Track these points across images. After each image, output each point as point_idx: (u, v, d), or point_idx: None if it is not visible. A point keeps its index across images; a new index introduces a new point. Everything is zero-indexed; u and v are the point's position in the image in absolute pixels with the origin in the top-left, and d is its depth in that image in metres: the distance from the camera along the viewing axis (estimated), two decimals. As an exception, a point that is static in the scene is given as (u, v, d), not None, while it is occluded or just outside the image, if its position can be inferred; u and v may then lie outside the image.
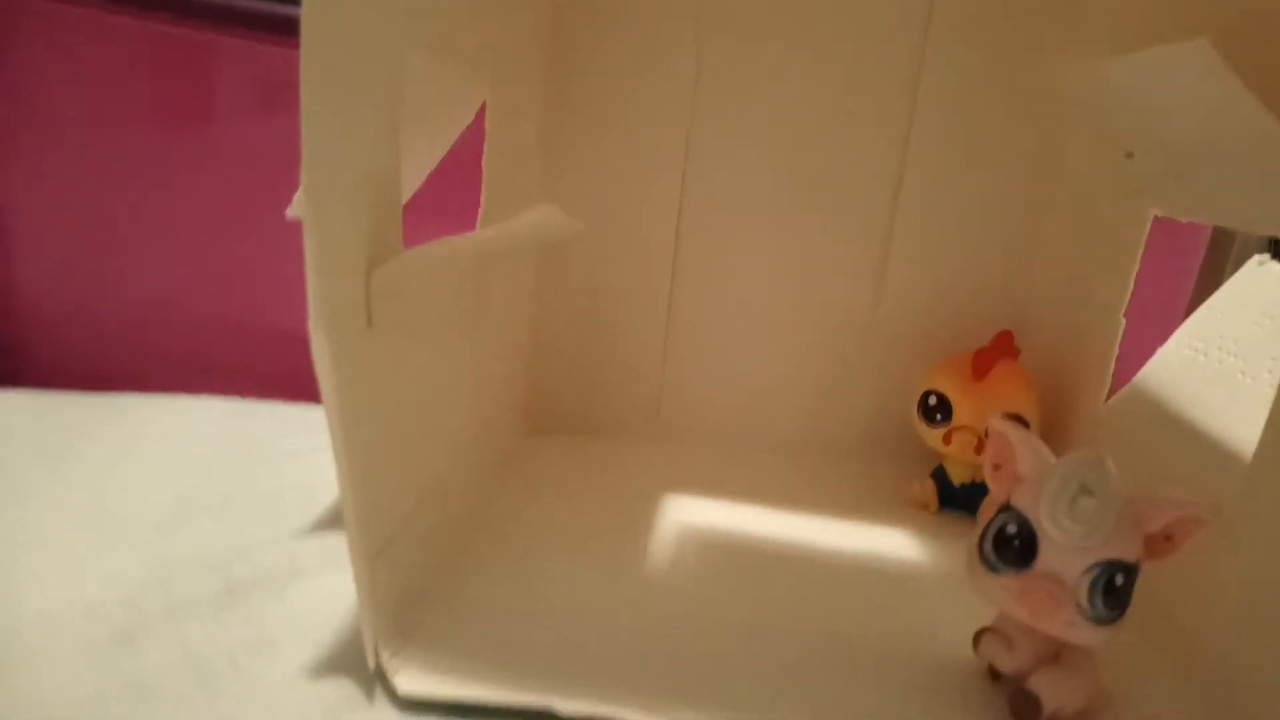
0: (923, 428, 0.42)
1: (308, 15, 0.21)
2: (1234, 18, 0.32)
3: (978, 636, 0.29)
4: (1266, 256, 0.39)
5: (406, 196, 0.33)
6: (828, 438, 0.48)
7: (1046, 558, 0.26)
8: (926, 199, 0.45)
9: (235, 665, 0.26)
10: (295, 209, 0.33)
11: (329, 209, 0.23)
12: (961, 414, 0.41)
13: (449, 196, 0.38)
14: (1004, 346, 0.41)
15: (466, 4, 0.33)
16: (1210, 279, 0.44)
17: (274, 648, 0.27)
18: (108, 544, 0.32)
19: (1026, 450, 0.28)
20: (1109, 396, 0.40)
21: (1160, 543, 0.27)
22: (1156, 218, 0.37)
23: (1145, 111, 0.35)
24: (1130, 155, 0.38)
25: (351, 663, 0.27)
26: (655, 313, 0.47)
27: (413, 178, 0.37)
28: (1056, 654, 0.28)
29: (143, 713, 0.24)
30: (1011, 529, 0.27)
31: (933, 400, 0.41)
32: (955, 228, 0.45)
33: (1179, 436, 0.36)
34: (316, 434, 0.24)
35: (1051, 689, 0.27)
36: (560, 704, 0.26)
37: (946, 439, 0.41)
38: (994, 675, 0.29)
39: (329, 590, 0.30)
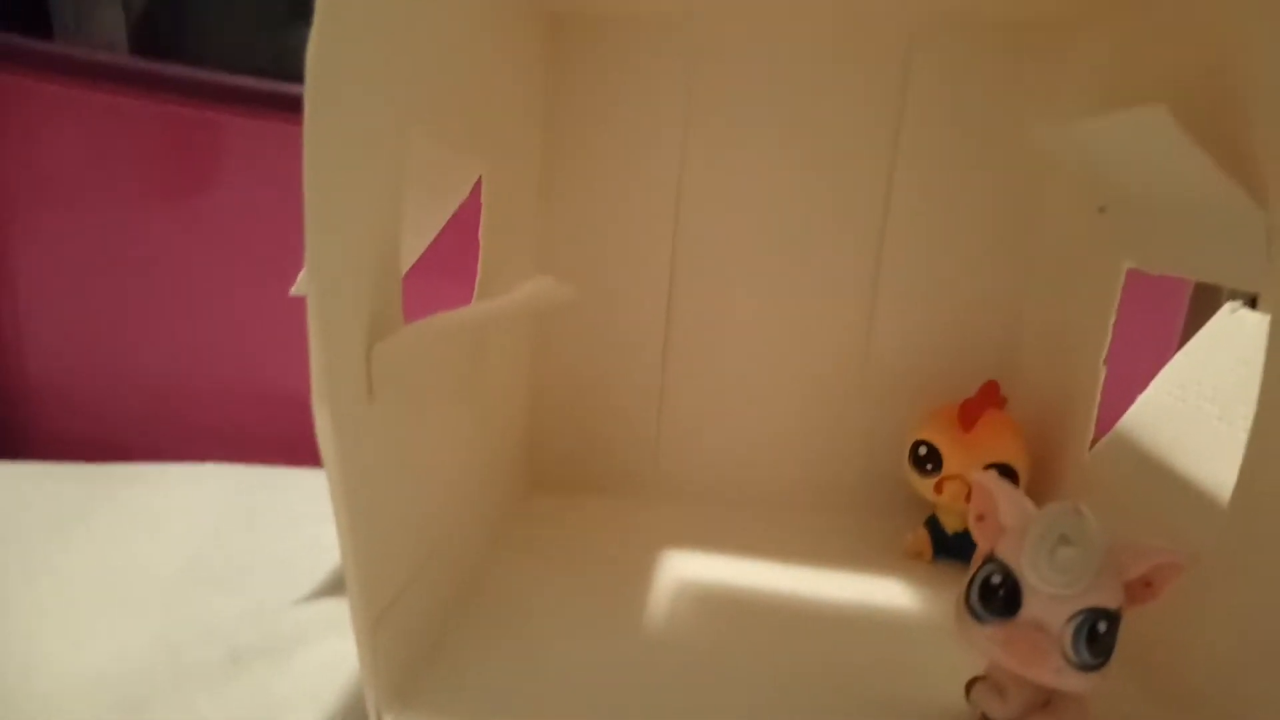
0: (914, 478, 0.43)
1: (311, 98, 0.22)
2: (1197, 79, 0.33)
3: (970, 685, 0.30)
4: (1239, 304, 0.40)
5: (405, 268, 0.34)
6: (822, 491, 0.49)
7: (1030, 607, 0.27)
8: (910, 254, 0.46)
9: (242, 733, 0.27)
10: (299, 287, 0.34)
11: (331, 287, 0.24)
12: (951, 463, 0.41)
13: (446, 256, 0.39)
14: (990, 396, 0.42)
15: (465, 85, 0.34)
16: (1199, 326, 0.45)
17: (280, 714, 0.28)
18: (116, 615, 0.33)
19: (1008, 502, 0.29)
20: (1094, 443, 0.41)
21: (1141, 589, 0.28)
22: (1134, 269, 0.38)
23: (1113, 169, 0.36)
24: (1103, 210, 0.39)
25: (356, 727, 0.27)
26: (650, 373, 0.48)
27: (411, 250, 0.38)
28: (1047, 701, 0.28)
29: (151, 784, 0.25)
30: (996, 579, 0.27)
31: (923, 450, 0.42)
32: (939, 282, 0.47)
33: (1159, 482, 0.37)
34: (321, 499, 0.25)
35: (1042, 736, 0.28)
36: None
37: (938, 488, 0.42)
38: (986, 724, 0.30)
39: (333, 656, 0.31)
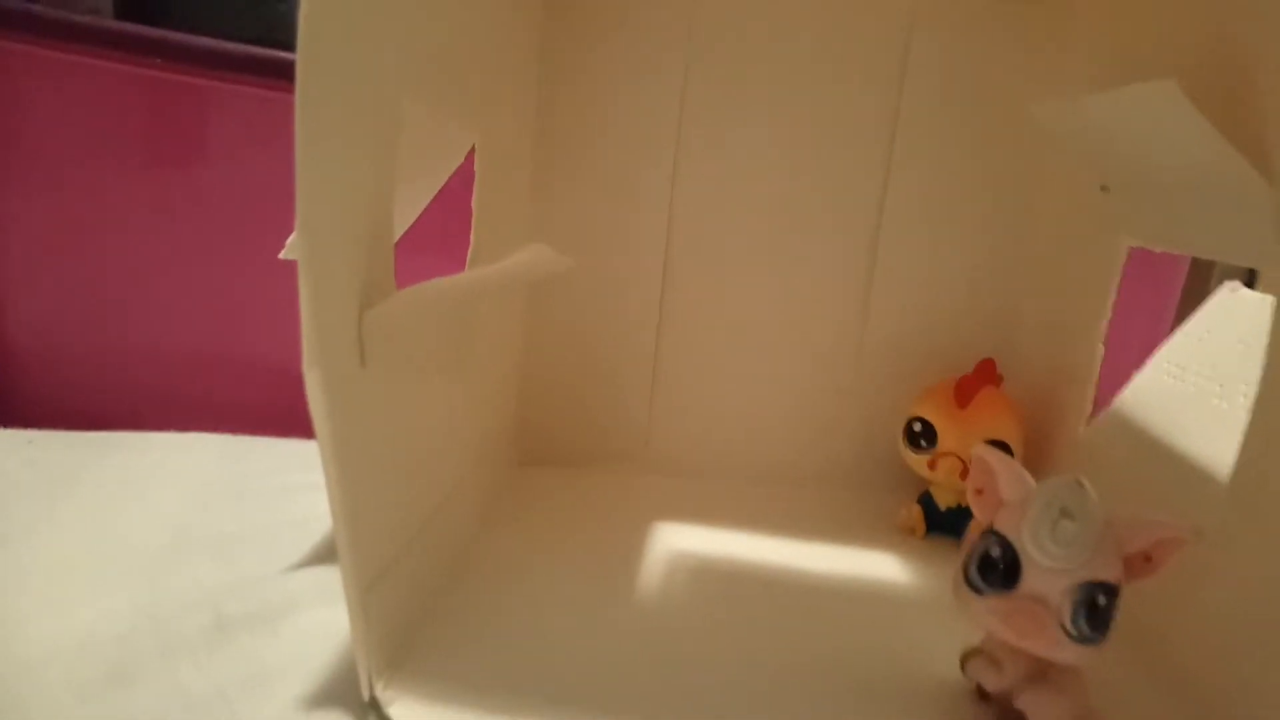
0: (908, 454, 0.43)
1: (303, 63, 0.21)
2: (1202, 53, 0.33)
3: (965, 657, 0.30)
4: (1238, 283, 0.40)
5: (397, 236, 0.34)
6: (815, 467, 0.49)
7: (1030, 580, 0.27)
8: (908, 233, 0.46)
9: (228, 701, 0.27)
10: (290, 251, 0.34)
11: (323, 252, 0.24)
12: (946, 440, 0.41)
13: (439, 231, 0.38)
14: (986, 374, 0.42)
15: (458, 52, 0.34)
16: (1193, 305, 0.45)
17: (267, 683, 0.27)
18: (101, 582, 0.32)
19: (1008, 476, 0.28)
20: (1089, 421, 0.41)
21: (1140, 564, 0.27)
22: (1135, 248, 0.38)
23: (1117, 147, 0.36)
24: (1105, 189, 0.39)
25: (346, 695, 0.27)
26: (644, 346, 0.48)
27: (404, 219, 0.37)
28: (1043, 673, 0.28)
29: (137, 750, 0.24)
30: (995, 552, 0.27)
31: (917, 427, 0.42)
32: (937, 259, 0.46)
33: (1157, 459, 0.37)
34: (311, 470, 0.24)
35: (1038, 708, 0.28)
36: (553, 732, 0.26)
37: (932, 465, 0.42)
38: (982, 695, 0.30)
39: (322, 624, 0.30)
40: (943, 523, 0.43)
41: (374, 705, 0.27)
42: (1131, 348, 0.43)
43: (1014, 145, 0.45)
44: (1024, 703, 0.28)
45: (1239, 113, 0.29)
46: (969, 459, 0.30)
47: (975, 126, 0.45)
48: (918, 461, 0.42)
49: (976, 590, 0.28)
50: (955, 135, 0.45)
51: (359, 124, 0.26)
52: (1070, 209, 0.43)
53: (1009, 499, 0.28)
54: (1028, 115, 0.40)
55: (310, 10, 0.21)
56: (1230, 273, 0.48)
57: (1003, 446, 0.40)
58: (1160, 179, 0.34)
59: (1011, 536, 0.27)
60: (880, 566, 0.40)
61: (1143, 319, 0.51)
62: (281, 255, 0.32)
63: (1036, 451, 0.43)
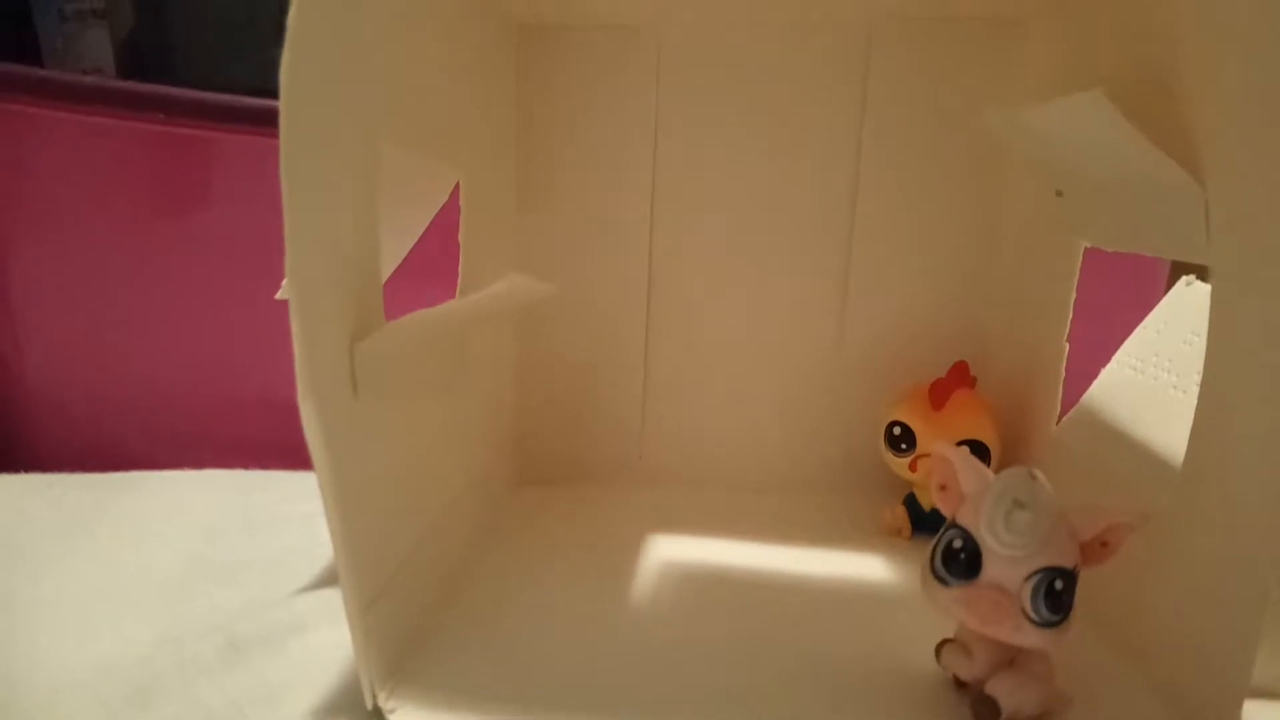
0: (890, 457, 0.44)
1: (286, 112, 0.23)
2: (1137, 66, 0.34)
3: (940, 648, 0.31)
4: (1194, 277, 0.41)
5: (388, 273, 0.36)
6: (802, 473, 0.50)
7: (990, 569, 0.28)
8: (879, 244, 0.48)
9: (244, 715, 0.28)
10: (284, 292, 0.35)
11: (311, 289, 0.25)
12: (924, 442, 0.43)
13: (429, 261, 0.40)
14: (960, 376, 0.43)
15: (437, 97, 0.36)
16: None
17: (279, 697, 0.29)
18: (120, 612, 0.34)
19: (967, 471, 0.30)
20: (1061, 417, 0.43)
21: (1097, 549, 0.29)
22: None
23: (1065, 153, 0.37)
24: (1060, 193, 0.40)
25: (353, 708, 0.29)
26: (633, 365, 0.50)
27: (394, 255, 0.39)
28: (1012, 660, 0.30)
29: (159, 765, 0.26)
30: (958, 544, 0.29)
31: (897, 430, 0.44)
32: (908, 267, 0.48)
33: (1122, 451, 0.38)
34: (314, 499, 0.26)
35: (1008, 693, 0.29)
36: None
37: (912, 466, 0.43)
38: (958, 684, 0.31)
39: (329, 642, 0.32)
40: (928, 523, 0.44)
41: (377, 714, 0.28)
42: (1114, 347, 0.45)
43: (977, 155, 0.46)
44: (994, 688, 0.29)
45: (1172, 122, 0.31)
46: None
47: (939, 138, 0.46)
48: (900, 464, 0.44)
49: (942, 581, 0.29)
50: (920, 147, 0.47)
51: (341, 166, 0.27)
52: (1032, 214, 0.45)
53: (968, 492, 0.30)
54: (987, 125, 0.42)
55: (291, 61, 0.23)
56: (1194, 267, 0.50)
57: (979, 446, 0.42)
58: (1106, 183, 0.36)
59: (971, 528, 0.29)
60: (868, 568, 0.41)
61: (1124, 317, 0.53)
62: (278, 296, 0.34)
63: (1014, 450, 0.45)
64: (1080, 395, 0.43)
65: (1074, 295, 0.40)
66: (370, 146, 0.29)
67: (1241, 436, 0.28)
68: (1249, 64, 0.28)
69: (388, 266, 0.37)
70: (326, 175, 0.26)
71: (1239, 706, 0.27)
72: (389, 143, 0.31)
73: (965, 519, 0.29)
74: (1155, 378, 0.39)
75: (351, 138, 0.28)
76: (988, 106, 0.44)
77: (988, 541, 0.28)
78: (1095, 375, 0.44)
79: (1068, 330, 0.41)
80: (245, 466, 0.50)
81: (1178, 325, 0.40)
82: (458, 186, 0.39)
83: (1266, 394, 0.27)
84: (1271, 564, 0.26)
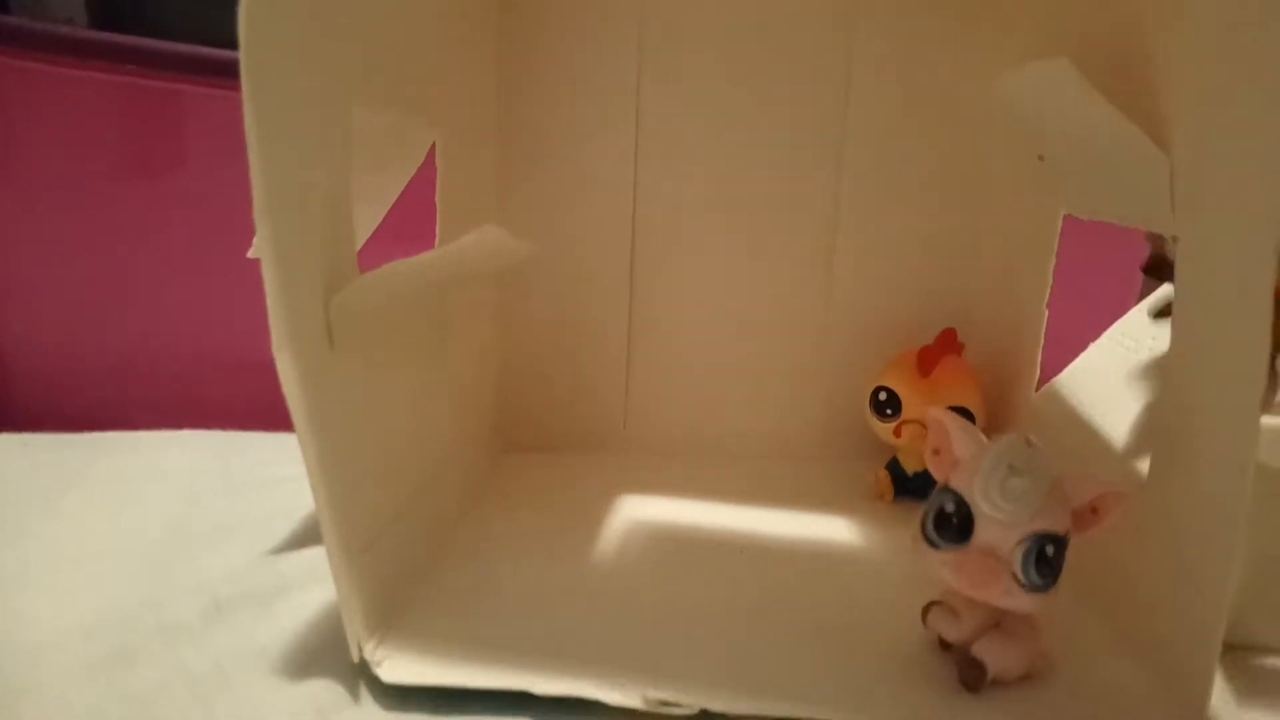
0: (875, 423, 0.44)
1: (246, 59, 0.23)
2: (1111, 37, 0.34)
3: (926, 610, 0.31)
4: None
5: (366, 233, 0.35)
6: (787, 439, 0.50)
7: (982, 533, 0.28)
8: (866, 209, 0.47)
9: (226, 676, 0.28)
10: (256, 248, 0.35)
11: (283, 241, 0.25)
12: (910, 408, 0.43)
13: (406, 223, 0.39)
14: (947, 343, 0.43)
15: (412, 48, 0.35)
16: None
17: (263, 657, 0.29)
18: (102, 574, 0.34)
19: (961, 436, 0.30)
20: (1038, 386, 0.43)
21: (1087, 516, 0.29)
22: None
23: (1041, 119, 0.37)
24: (1041, 158, 0.40)
25: (338, 667, 0.28)
26: (617, 330, 0.49)
27: (371, 215, 0.38)
28: (999, 623, 0.30)
29: (142, 725, 0.26)
30: (950, 508, 0.29)
31: (883, 396, 0.44)
32: (895, 234, 0.48)
33: (1100, 422, 0.38)
34: (297, 462, 0.26)
35: (994, 655, 0.29)
36: (537, 685, 0.27)
37: (897, 432, 0.43)
38: (943, 646, 0.31)
39: (313, 602, 0.32)
40: (911, 487, 0.44)
41: (363, 668, 0.28)
42: (1102, 317, 0.45)
43: (963, 121, 0.46)
44: (980, 650, 0.29)
45: (1141, 90, 0.31)
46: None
47: (924, 105, 0.46)
48: (884, 429, 0.44)
49: (932, 544, 0.29)
50: (906, 114, 0.46)
51: (306, 118, 0.27)
52: (1014, 180, 0.45)
53: (962, 457, 0.30)
54: (972, 91, 0.42)
55: (249, 11, 0.22)
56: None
57: (964, 412, 0.42)
58: (1076, 150, 0.36)
59: (964, 493, 0.29)
60: (850, 530, 0.41)
61: (1112, 289, 0.53)
62: (249, 254, 0.33)
63: (997, 416, 0.45)
64: (1059, 365, 0.44)
65: (1053, 260, 0.40)
66: (342, 99, 0.29)
67: (1207, 406, 0.28)
68: (1213, 35, 0.28)
69: (366, 227, 0.37)
70: (292, 124, 0.26)
71: (1212, 669, 0.27)
72: (363, 97, 0.30)
73: (958, 483, 0.29)
74: (1146, 355, 0.40)
75: (321, 90, 0.27)
76: (975, 70, 0.44)
77: (981, 506, 0.28)
78: (1072, 348, 0.44)
79: (1047, 297, 0.41)
80: (226, 428, 0.49)
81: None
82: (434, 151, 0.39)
83: (1229, 364, 0.27)
84: (1237, 531, 0.26)
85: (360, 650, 0.28)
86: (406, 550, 0.34)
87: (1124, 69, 0.32)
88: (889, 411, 0.43)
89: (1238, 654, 0.29)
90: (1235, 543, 0.26)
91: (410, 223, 0.40)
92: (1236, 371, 0.27)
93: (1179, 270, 0.30)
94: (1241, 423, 0.26)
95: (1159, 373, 0.38)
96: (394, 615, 0.31)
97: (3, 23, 0.49)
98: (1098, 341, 0.44)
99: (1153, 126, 0.30)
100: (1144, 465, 0.32)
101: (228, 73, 0.49)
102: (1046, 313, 0.41)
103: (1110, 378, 0.40)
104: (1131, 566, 0.33)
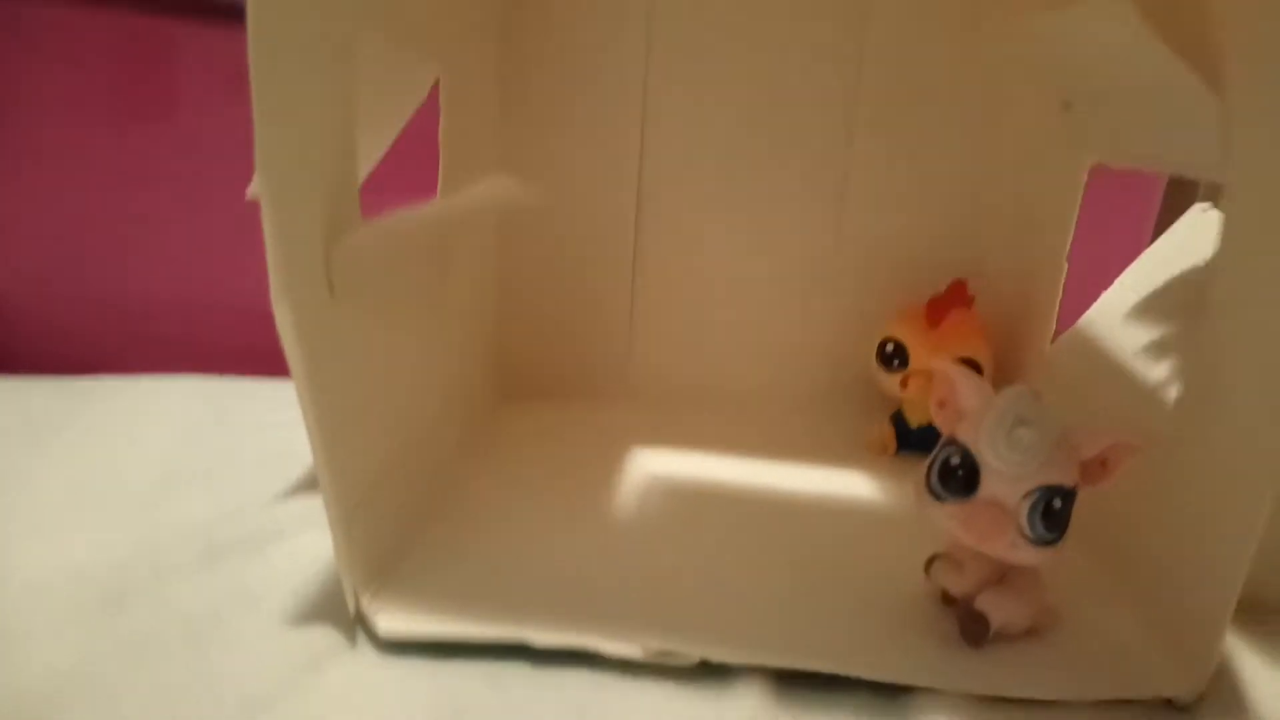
0: (881, 374, 0.44)
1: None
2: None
3: (929, 562, 0.31)
4: (1209, 205, 0.40)
5: (365, 173, 0.34)
6: (791, 388, 0.50)
7: (988, 485, 0.28)
8: (878, 158, 0.46)
9: (221, 620, 0.28)
10: (255, 189, 0.34)
11: (284, 187, 0.24)
12: (917, 360, 0.42)
13: (408, 174, 0.39)
14: (957, 295, 0.43)
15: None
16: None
17: (257, 602, 0.29)
18: (94, 517, 0.33)
19: (968, 388, 0.29)
20: (1054, 339, 0.42)
21: (1096, 469, 0.28)
22: (1104, 167, 0.39)
23: (1076, 64, 0.36)
24: (1068, 106, 0.39)
25: (334, 613, 0.28)
26: (620, 276, 0.49)
27: (369, 154, 0.37)
28: (1003, 576, 0.30)
29: (134, 668, 0.26)
30: (955, 460, 0.28)
31: (890, 348, 0.43)
32: (907, 183, 0.47)
33: (1115, 375, 0.37)
34: (292, 407, 0.25)
35: (998, 607, 0.29)
36: (535, 636, 0.27)
37: (903, 384, 0.43)
38: (946, 599, 0.31)
39: (309, 548, 0.31)
40: (914, 441, 0.44)
41: (360, 618, 0.28)
42: (1111, 268, 0.44)
43: (979, 68, 0.45)
44: (984, 603, 0.29)
45: (1188, 28, 0.30)
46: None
47: (940, 51, 0.45)
48: (890, 381, 0.43)
49: (937, 497, 0.29)
50: (921, 61, 0.45)
51: (313, 58, 0.26)
52: (1035, 129, 0.43)
53: (968, 409, 0.29)
54: (993, 36, 0.40)
55: None
56: (1212, 194, 0.49)
57: (972, 364, 0.41)
58: (1114, 95, 0.35)
59: (970, 445, 0.28)
60: (853, 483, 0.41)
61: (1121, 240, 0.52)
62: (248, 195, 0.33)
63: (1006, 369, 0.44)
64: (1072, 315, 0.43)
65: (1076, 213, 0.39)
66: (342, 36, 0.28)
67: (1249, 361, 0.28)
68: None
69: (364, 166, 0.36)
70: (299, 64, 0.25)
71: (1222, 632, 0.27)
72: (364, 34, 0.29)
73: (964, 435, 0.29)
74: (1160, 303, 0.39)
75: (321, 26, 0.26)
76: (994, 16, 0.43)
77: (988, 458, 0.28)
78: (1086, 296, 0.43)
79: (1068, 249, 0.40)
80: (223, 374, 0.48)
81: (1187, 254, 0.39)
82: (437, 88, 0.38)
83: (1275, 311, 0.26)
84: (1270, 485, 0.26)
85: (357, 602, 0.28)
86: (404, 501, 0.33)
87: (1172, 11, 0.30)
88: (896, 363, 0.43)
89: (1248, 613, 0.28)
90: (1266, 497, 0.25)
91: (407, 169, 0.39)
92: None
93: (1225, 219, 0.29)
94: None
95: (1175, 321, 0.37)
96: (391, 567, 0.31)
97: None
98: (1108, 292, 0.43)
99: (1203, 68, 0.29)
100: (1161, 416, 0.32)
101: (224, 12, 0.48)
102: (1066, 266, 0.40)
103: (1122, 330, 0.39)
104: (1144, 524, 0.32)
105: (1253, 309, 0.28)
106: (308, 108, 0.26)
